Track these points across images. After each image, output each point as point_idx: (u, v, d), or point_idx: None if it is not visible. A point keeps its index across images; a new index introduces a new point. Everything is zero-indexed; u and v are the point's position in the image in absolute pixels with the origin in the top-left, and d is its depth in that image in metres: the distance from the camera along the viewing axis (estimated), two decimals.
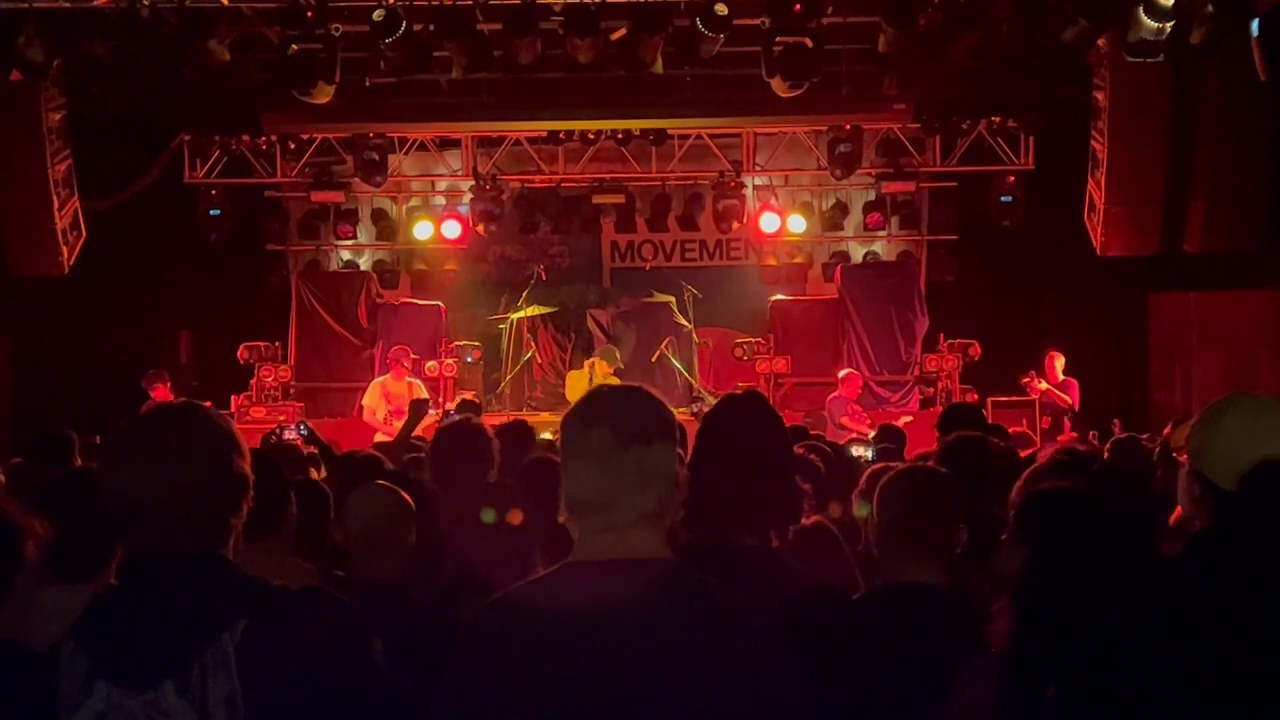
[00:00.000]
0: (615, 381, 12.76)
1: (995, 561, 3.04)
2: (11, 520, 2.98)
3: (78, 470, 3.72)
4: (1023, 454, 6.75)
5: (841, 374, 13.42)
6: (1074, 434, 11.78)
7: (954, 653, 2.67)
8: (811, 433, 8.85)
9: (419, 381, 12.91)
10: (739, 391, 3.32)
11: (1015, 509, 2.88)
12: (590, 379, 12.75)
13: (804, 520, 3.39)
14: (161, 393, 12.32)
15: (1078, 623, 2.50)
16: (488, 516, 3.79)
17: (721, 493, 2.95)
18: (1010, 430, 8.53)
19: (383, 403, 12.50)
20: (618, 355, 14.04)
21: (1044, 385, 12.88)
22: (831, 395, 13.18)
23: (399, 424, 12.17)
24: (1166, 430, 7.39)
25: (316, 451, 6.67)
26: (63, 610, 2.42)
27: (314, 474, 5.63)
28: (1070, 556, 2.60)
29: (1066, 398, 12.83)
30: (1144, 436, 7.77)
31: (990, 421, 7.72)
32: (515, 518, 3.83)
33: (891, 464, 4.84)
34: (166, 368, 13.18)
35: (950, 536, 3.19)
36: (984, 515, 4.05)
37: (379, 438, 11.53)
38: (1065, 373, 13.07)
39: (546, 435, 8.65)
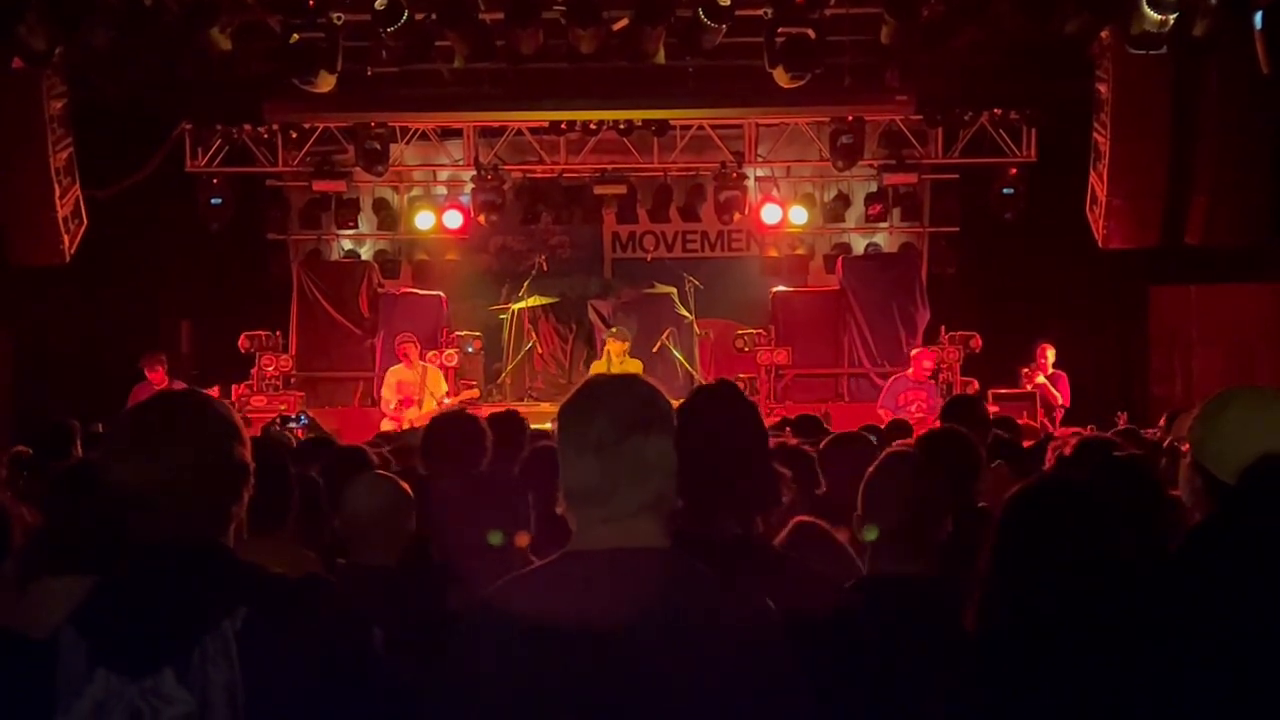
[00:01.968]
0: (634, 362, 12.76)
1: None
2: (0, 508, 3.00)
3: (79, 462, 3.73)
4: (1026, 445, 6.76)
5: (914, 351, 12.94)
6: (1064, 428, 11.68)
7: (942, 644, 2.67)
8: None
9: (433, 366, 12.88)
10: (709, 383, 3.31)
11: (1012, 500, 2.88)
12: (609, 365, 12.64)
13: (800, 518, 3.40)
14: (159, 375, 12.33)
15: (1072, 617, 2.50)
16: (495, 539, 3.77)
17: (702, 483, 2.95)
18: (1020, 422, 8.48)
19: (395, 392, 12.50)
20: (626, 333, 13.93)
21: (1040, 379, 12.77)
22: (896, 374, 12.83)
23: (408, 413, 12.22)
24: (1161, 423, 7.42)
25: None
26: (64, 599, 2.42)
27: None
28: (1066, 549, 2.59)
29: (1057, 394, 12.71)
30: (1146, 431, 7.78)
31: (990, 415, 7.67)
32: (522, 540, 3.82)
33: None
34: (168, 357, 13.16)
35: (936, 527, 3.19)
36: (973, 507, 4.06)
37: (385, 425, 11.55)
38: (1058, 366, 12.97)
39: (545, 426, 8.59)
